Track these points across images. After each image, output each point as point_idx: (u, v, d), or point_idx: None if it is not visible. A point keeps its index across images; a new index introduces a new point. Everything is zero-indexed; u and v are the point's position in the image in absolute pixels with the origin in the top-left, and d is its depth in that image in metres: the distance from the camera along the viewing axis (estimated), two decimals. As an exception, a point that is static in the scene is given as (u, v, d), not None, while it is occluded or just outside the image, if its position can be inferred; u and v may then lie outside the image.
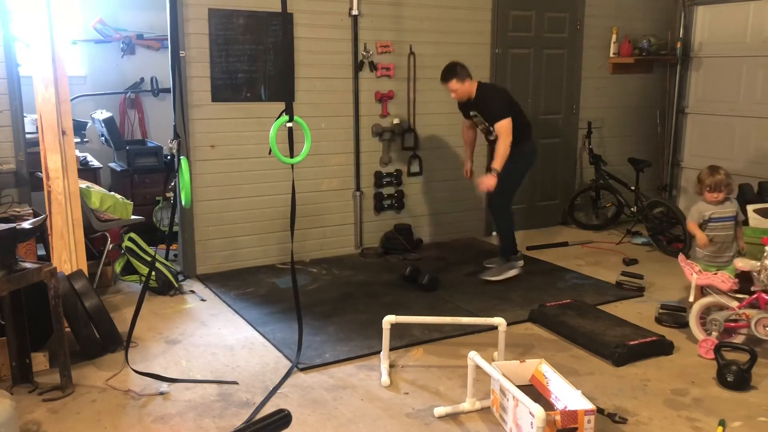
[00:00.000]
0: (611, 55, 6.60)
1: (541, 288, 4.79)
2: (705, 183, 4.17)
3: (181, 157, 3.76)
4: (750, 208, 4.86)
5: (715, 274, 3.78)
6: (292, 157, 3.68)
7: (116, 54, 6.41)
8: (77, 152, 4.69)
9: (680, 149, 6.99)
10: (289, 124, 3.60)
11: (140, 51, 6.50)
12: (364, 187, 5.58)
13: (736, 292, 3.71)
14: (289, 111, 3.60)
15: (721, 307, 3.76)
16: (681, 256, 4.03)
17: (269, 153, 3.63)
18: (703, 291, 3.88)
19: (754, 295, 3.62)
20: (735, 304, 3.68)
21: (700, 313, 3.83)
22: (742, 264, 3.66)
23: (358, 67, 5.36)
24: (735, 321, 3.69)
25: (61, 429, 2.93)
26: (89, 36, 6.30)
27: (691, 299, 3.84)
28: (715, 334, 3.70)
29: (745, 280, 3.69)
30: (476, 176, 5.14)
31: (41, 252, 4.28)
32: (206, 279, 4.95)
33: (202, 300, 4.56)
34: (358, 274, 5.08)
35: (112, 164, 6.08)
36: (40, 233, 4.04)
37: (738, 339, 3.67)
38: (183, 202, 3.89)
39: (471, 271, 5.17)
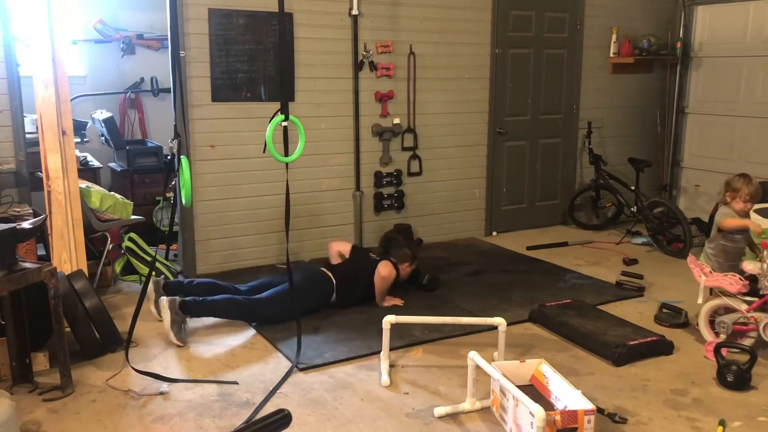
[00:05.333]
0: (611, 55, 6.60)
1: (541, 288, 4.78)
2: (742, 192, 3.94)
3: (182, 156, 3.76)
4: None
5: (725, 276, 3.75)
6: (286, 155, 3.68)
7: (116, 54, 6.41)
8: (77, 152, 4.70)
9: (680, 149, 6.99)
10: (284, 123, 3.61)
11: (140, 51, 6.50)
12: (364, 187, 5.58)
13: (746, 294, 3.67)
14: (284, 110, 3.60)
15: (730, 309, 3.74)
16: (691, 257, 3.98)
17: (264, 151, 3.63)
18: (712, 292, 3.86)
19: (764, 298, 3.60)
20: (744, 306, 3.66)
21: (709, 314, 3.82)
22: (751, 267, 3.65)
23: (358, 67, 5.36)
24: (744, 324, 3.67)
25: (61, 429, 2.93)
26: (89, 36, 6.30)
27: (699, 301, 3.82)
28: (723, 336, 3.69)
29: (755, 282, 3.66)
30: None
31: (41, 252, 4.28)
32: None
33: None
34: (358, 274, 5.08)
35: (112, 164, 6.08)
36: (40, 233, 4.04)
37: (747, 342, 3.65)
38: (183, 202, 3.89)
39: (471, 271, 5.17)
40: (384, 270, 4.32)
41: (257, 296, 4.10)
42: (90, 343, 3.59)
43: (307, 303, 4.17)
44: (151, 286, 4.03)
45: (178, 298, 3.86)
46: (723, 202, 4.11)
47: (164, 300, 3.81)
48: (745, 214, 4.02)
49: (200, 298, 3.95)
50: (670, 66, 6.87)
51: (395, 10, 5.44)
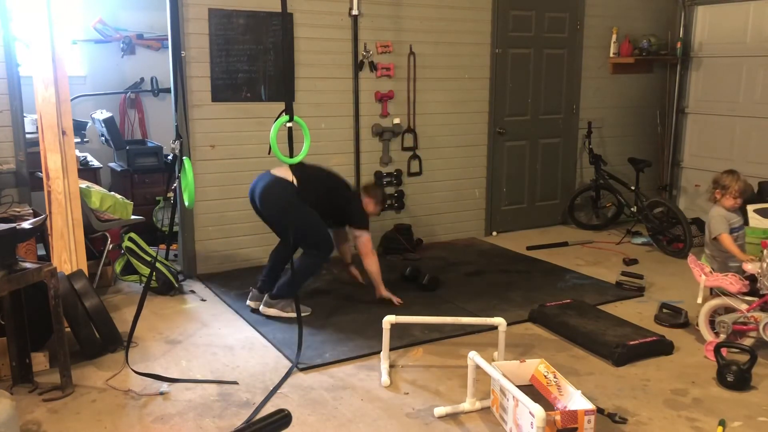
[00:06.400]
0: (611, 55, 6.60)
1: (541, 288, 4.78)
2: (732, 188, 4.05)
3: (185, 157, 3.76)
4: (750, 208, 4.86)
5: (725, 275, 3.76)
6: (291, 156, 3.68)
7: (116, 54, 6.41)
8: (77, 152, 4.69)
9: (680, 149, 6.99)
10: (289, 124, 3.61)
11: (140, 51, 6.50)
12: (364, 187, 5.58)
13: (746, 294, 3.68)
14: (288, 111, 3.60)
15: (730, 309, 3.74)
16: (691, 257, 3.99)
17: (269, 153, 3.63)
18: (712, 292, 3.87)
19: (764, 298, 3.60)
20: (744, 306, 3.66)
21: (709, 314, 3.82)
22: (751, 267, 3.65)
23: (358, 67, 5.36)
24: (744, 324, 3.67)
25: (61, 429, 2.93)
26: (89, 36, 6.30)
27: (699, 300, 3.82)
28: (723, 336, 3.70)
29: (755, 282, 3.66)
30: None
31: (41, 252, 4.29)
32: (206, 279, 4.95)
33: (202, 300, 4.56)
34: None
35: (112, 164, 6.08)
36: (40, 233, 4.04)
37: (747, 342, 3.65)
38: (186, 203, 3.89)
39: (471, 271, 5.17)
40: (363, 243, 4.25)
41: (297, 260, 4.08)
42: (90, 343, 3.59)
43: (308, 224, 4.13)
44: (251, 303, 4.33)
45: (266, 296, 4.20)
46: (712, 200, 4.17)
47: (259, 305, 4.21)
48: (735, 210, 4.11)
49: (283, 283, 4.17)
50: (670, 66, 6.87)
51: (395, 10, 5.44)
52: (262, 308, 4.21)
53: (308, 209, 4.10)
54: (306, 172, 4.04)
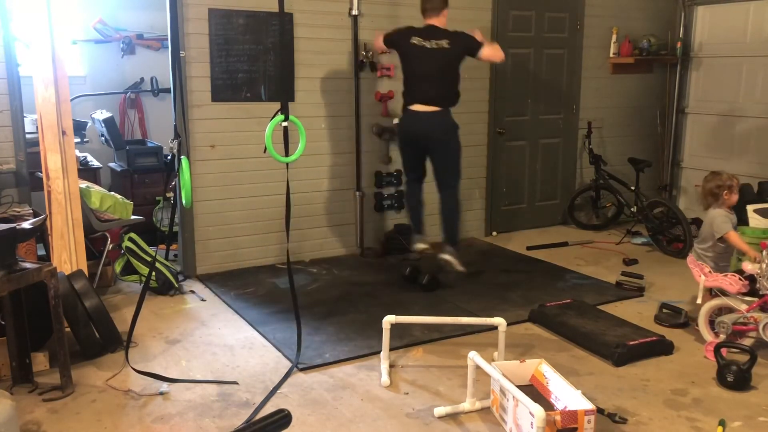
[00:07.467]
0: (611, 55, 6.60)
1: (541, 288, 4.78)
2: (733, 183, 4.06)
3: (182, 157, 3.76)
4: (750, 208, 4.85)
5: (725, 276, 3.76)
6: (287, 156, 3.68)
7: (116, 54, 6.41)
8: (77, 152, 4.70)
9: (680, 149, 7.00)
10: (285, 123, 3.61)
11: (140, 51, 6.50)
12: (364, 187, 5.57)
13: (745, 294, 3.68)
14: (284, 110, 3.60)
15: (730, 309, 3.75)
16: (690, 257, 4.00)
17: (264, 152, 3.63)
18: (711, 292, 3.87)
19: (763, 298, 3.60)
20: (744, 306, 3.67)
21: (709, 314, 3.82)
22: (751, 267, 3.65)
23: (358, 67, 5.36)
24: (744, 324, 3.67)
25: (61, 429, 2.94)
26: (89, 36, 6.30)
27: (699, 301, 3.83)
28: (723, 336, 3.70)
29: (755, 282, 3.67)
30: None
31: (41, 252, 4.28)
32: (206, 279, 4.95)
33: (202, 300, 4.56)
34: (358, 274, 5.08)
35: (112, 164, 6.08)
36: (40, 233, 4.04)
37: (746, 342, 3.65)
38: (183, 202, 3.90)
39: (471, 271, 5.17)
40: (489, 54, 4.64)
41: (443, 192, 4.86)
42: (90, 343, 3.60)
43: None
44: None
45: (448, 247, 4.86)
46: (720, 204, 4.10)
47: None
48: (732, 209, 4.10)
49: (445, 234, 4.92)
50: (670, 66, 6.87)
51: (395, 10, 5.44)
52: (446, 257, 4.80)
53: (455, 136, 4.75)
54: (424, 84, 4.66)
